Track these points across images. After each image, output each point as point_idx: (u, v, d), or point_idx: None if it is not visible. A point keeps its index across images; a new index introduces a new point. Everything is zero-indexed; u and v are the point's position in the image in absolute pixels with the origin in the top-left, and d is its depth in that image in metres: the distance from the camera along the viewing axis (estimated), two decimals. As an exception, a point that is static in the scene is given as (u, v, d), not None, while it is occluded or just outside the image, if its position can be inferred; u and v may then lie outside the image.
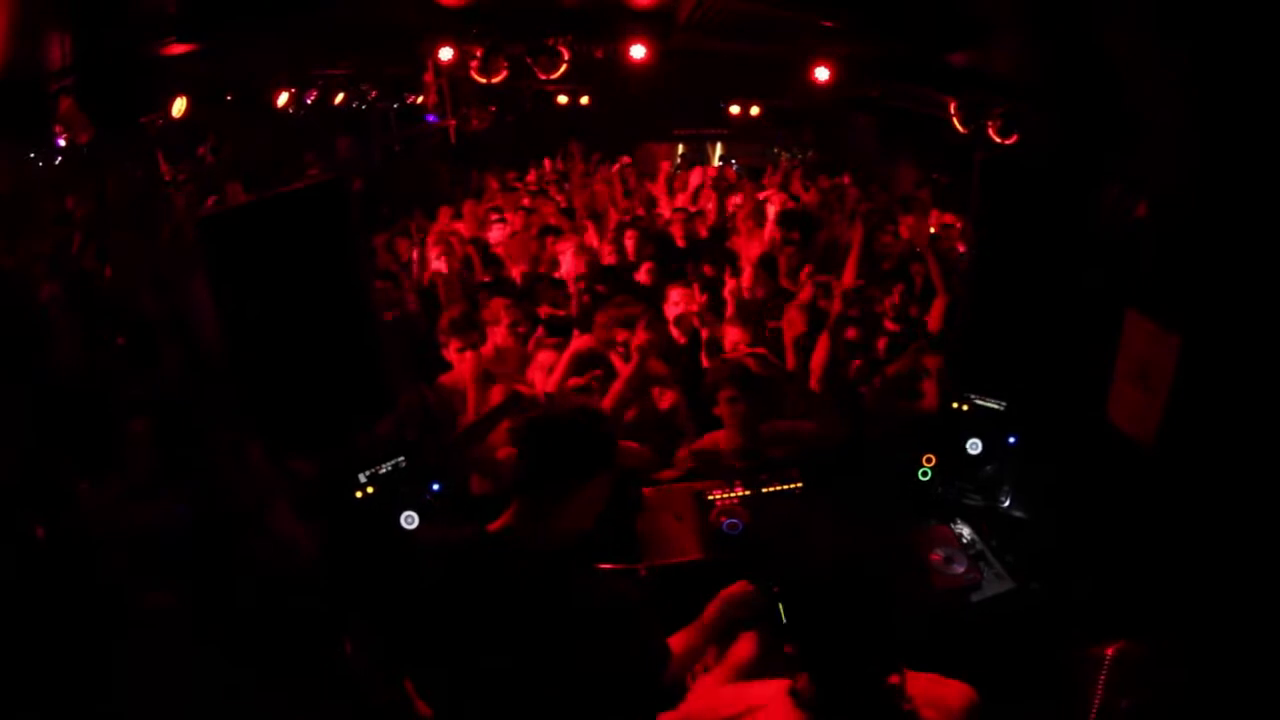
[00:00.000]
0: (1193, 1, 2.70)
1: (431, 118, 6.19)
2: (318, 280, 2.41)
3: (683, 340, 3.87)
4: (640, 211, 5.97)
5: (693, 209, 6.03)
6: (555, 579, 1.59)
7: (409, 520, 2.61)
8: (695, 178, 7.05)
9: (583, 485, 1.65)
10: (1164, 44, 2.94)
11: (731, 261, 4.81)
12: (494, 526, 1.65)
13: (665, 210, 6.19)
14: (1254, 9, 2.48)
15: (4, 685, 2.10)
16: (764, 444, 3.00)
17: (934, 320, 4.17)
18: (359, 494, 2.58)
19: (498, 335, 3.68)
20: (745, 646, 1.79)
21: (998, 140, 4.61)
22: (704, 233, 5.60)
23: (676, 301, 3.94)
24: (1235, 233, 2.47)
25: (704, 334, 3.82)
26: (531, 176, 7.83)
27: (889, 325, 4.25)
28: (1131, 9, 3.00)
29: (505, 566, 1.59)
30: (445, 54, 4.82)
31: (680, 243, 5.40)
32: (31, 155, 5.78)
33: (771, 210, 5.76)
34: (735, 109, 7.78)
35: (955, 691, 1.40)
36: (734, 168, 9.05)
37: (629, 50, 4.69)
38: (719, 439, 3.05)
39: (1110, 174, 3.16)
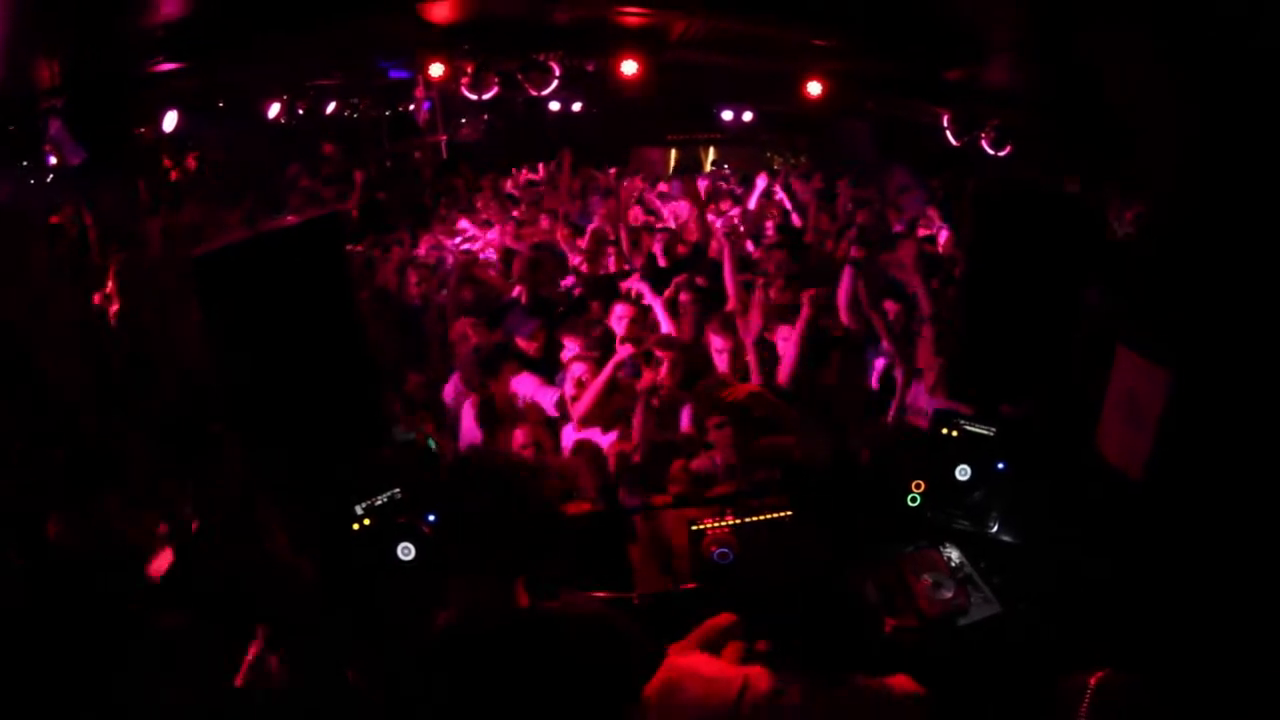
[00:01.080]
0: (1191, 20, 2.72)
1: (425, 105, 6.17)
2: (312, 316, 2.43)
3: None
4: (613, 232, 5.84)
5: (675, 226, 5.96)
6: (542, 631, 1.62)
7: (405, 551, 2.63)
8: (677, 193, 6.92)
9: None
10: (1160, 62, 2.95)
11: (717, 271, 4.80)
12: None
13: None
14: (1253, 26, 2.50)
15: (18, 706, 2.12)
16: (754, 464, 3.06)
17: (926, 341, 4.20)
18: (356, 526, 2.60)
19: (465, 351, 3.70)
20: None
21: (991, 153, 4.63)
22: (683, 249, 5.46)
23: (621, 316, 3.91)
24: (1231, 260, 2.50)
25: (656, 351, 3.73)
26: (517, 180, 7.75)
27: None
28: (1127, 28, 3.01)
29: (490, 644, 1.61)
30: (436, 70, 4.83)
31: (663, 262, 5.28)
32: (25, 164, 5.77)
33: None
34: (728, 115, 7.77)
35: (901, 680, 1.58)
36: (726, 171, 9.02)
37: (620, 66, 4.70)
38: (715, 457, 3.14)
39: (1105, 196, 3.18)
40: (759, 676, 1.51)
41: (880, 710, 1.51)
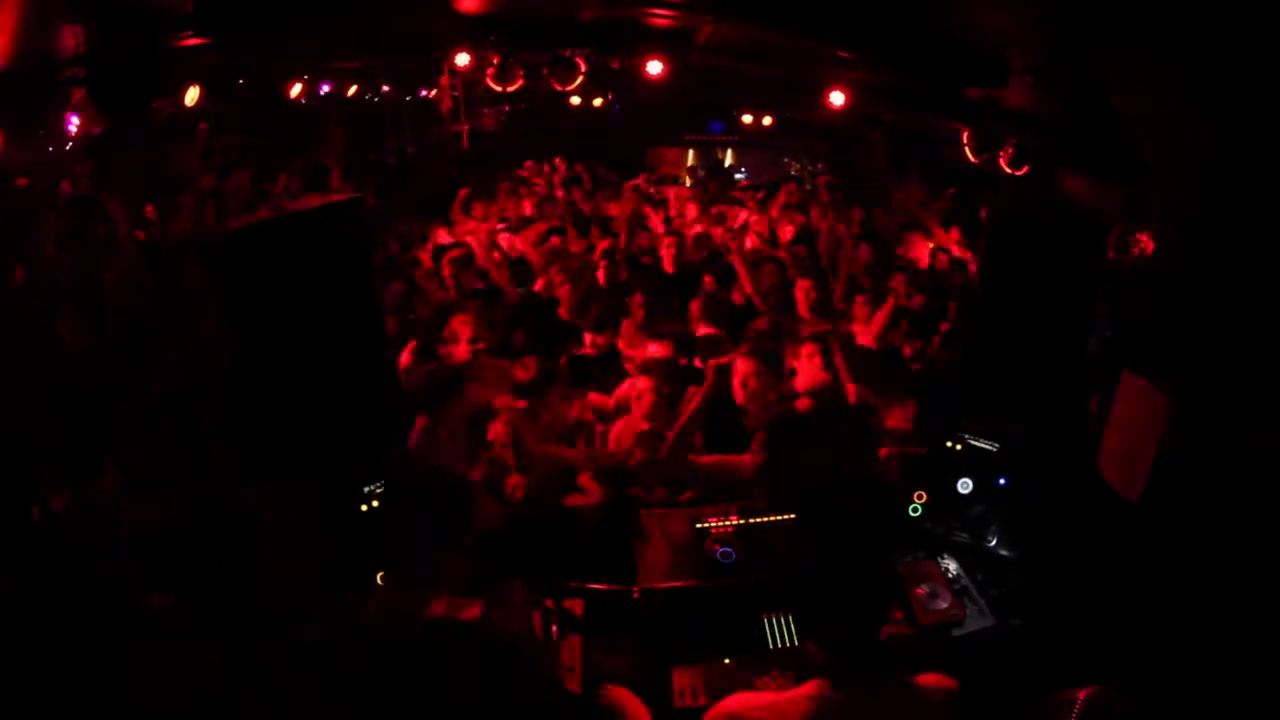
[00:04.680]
0: (1201, 52, 2.75)
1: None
2: (333, 299, 2.45)
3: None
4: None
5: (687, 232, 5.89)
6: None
7: (413, 533, 2.66)
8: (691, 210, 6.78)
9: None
10: (1162, 68, 2.97)
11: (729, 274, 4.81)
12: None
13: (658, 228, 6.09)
14: (1262, 62, 2.53)
15: (4, 685, 2.14)
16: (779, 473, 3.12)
17: (933, 347, 4.24)
18: (365, 507, 2.63)
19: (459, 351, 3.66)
20: None
21: (1008, 171, 4.64)
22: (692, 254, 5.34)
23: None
24: (1240, 288, 2.53)
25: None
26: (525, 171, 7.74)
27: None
28: (1140, 60, 3.04)
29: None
30: (462, 60, 4.85)
31: (670, 268, 5.20)
32: (42, 133, 5.77)
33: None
34: (748, 118, 7.78)
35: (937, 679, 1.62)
36: (742, 175, 9.01)
37: (646, 66, 4.72)
38: (744, 460, 3.17)
39: (1117, 222, 3.21)
40: (820, 686, 1.53)
41: (926, 707, 1.55)
